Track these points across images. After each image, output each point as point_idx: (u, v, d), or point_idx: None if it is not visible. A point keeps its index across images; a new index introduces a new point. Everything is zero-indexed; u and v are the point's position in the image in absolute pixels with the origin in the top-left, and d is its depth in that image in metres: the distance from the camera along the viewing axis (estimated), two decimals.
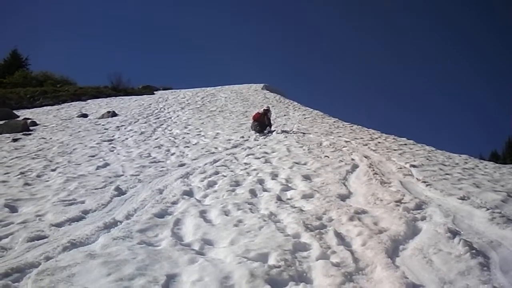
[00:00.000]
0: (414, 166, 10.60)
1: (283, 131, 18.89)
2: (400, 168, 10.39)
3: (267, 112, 19.81)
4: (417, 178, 9.30)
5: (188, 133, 19.02)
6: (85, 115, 26.98)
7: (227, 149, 14.80)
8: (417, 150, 13.71)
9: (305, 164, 11.12)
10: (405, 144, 15.26)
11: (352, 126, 20.87)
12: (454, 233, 5.63)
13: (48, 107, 33.50)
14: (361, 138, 16.30)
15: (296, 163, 11.21)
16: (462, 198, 7.44)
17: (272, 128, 19.70)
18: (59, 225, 6.72)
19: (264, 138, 17.35)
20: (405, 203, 7.19)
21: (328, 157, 11.88)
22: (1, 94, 37.44)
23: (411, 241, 5.59)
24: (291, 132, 18.78)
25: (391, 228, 5.91)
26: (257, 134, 18.48)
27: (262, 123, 19.33)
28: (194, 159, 12.85)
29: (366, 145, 14.37)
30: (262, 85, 45.20)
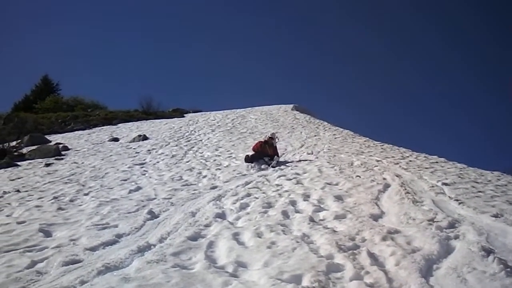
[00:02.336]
0: (446, 184, 10.51)
1: (298, 161, 16.20)
2: (432, 186, 10.31)
3: (271, 139, 16.85)
4: (449, 196, 9.23)
5: (219, 156, 19.06)
6: (116, 139, 27.20)
7: (259, 170, 14.82)
8: (448, 168, 13.57)
9: (336, 184, 11.08)
10: (437, 162, 15.10)
11: (382, 145, 20.67)
12: (488, 252, 5.61)
13: (80, 132, 33.96)
14: (392, 157, 16.16)
15: (328, 183, 11.17)
16: (496, 216, 7.40)
17: (281, 158, 16.89)
18: (93, 249, 6.86)
19: (260, 170, 14.93)
20: (438, 221, 7.16)
21: (360, 177, 11.82)
22: (33, 120, 37.98)
23: (444, 260, 5.58)
24: (320, 152, 18.53)
25: (424, 247, 5.91)
26: (249, 164, 15.56)
27: (263, 153, 16.08)
28: (226, 182, 12.93)
29: (398, 164, 14.27)
30: (291, 105, 44.95)
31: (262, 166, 15.37)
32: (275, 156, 16.20)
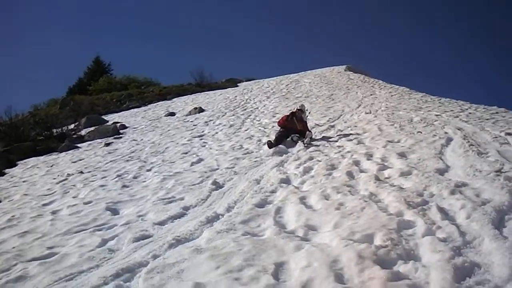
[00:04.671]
0: (509, 134, 10.29)
1: (323, 138, 13.54)
2: (496, 137, 10.12)
3: (299, 111, 13.98)
4: None
5: (277, 121, 18.92)
6: (172, 114, 27.51)
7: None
8: (510, 118, 13.24)
9: (398, 141, 11.00)
10: (497, 113, 14.78)
11: (440, 100, 20.31)
12: None
13: (135, 109, 34.48)
14: (451, 110, 15.90)
15: (389, 141, 11.10)
16: None
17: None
18: (161, 223, 7.03)
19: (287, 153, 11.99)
20: (505, 172, 7.04)
21: (421, 132, 11.67)
22: (89, 101, 38.74)
23: None
24: (377, 110, 18.29)
25: (494, 199, 5.81)
26: (274, 148, 12.27)
27: (291, 129, 13.29)
28: None
29: (457, 117, 14.04)
30: (344, 66, 44.24)
31: (289, 150, 12.25)
32: (307, 132, 13.13)
